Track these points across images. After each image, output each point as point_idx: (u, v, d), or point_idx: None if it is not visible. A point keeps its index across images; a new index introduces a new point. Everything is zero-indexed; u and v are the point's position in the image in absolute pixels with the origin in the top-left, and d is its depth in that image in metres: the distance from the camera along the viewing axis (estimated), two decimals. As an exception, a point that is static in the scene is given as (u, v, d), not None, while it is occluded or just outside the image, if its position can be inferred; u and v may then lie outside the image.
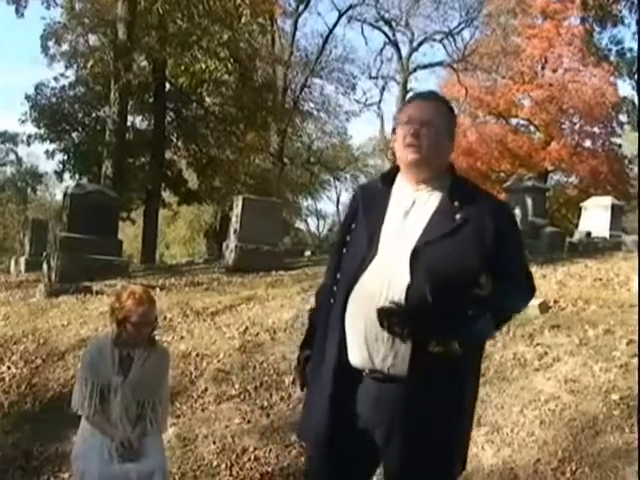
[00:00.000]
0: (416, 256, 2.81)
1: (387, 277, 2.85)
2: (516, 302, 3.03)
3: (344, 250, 3.08)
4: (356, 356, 2.91)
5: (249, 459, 5.79)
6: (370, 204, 3.09)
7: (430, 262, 2.78)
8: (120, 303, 4.39)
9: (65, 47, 24.74)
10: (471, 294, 2.76)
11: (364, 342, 2.87)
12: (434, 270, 2.77)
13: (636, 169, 35.73)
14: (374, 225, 2.98)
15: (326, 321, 3.04)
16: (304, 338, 3.32)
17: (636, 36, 27.92)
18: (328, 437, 2.99)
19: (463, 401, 2.98)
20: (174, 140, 27.66)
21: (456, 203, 2.92)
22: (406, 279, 2.80)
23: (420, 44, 39.17)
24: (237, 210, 15.14)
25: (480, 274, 2.79)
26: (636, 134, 33.91)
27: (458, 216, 2.88)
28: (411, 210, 2.96)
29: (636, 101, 34.28)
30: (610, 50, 34.30)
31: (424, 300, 2.74)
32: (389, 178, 3.11)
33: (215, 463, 5.89)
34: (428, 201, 2.97)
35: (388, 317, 2.75)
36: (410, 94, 40.09)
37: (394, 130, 3.16)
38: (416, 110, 3.02)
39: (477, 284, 2.77)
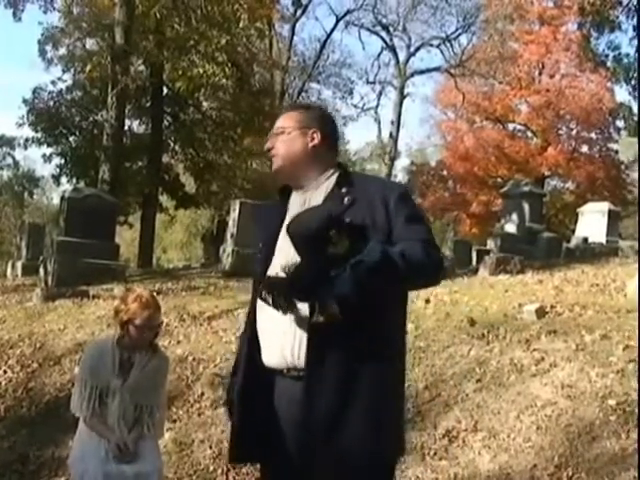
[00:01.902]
0: (289, 237, 2.85)
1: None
2: (404, 267, 2.70)
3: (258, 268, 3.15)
4: (270, 356, 2.95)
5: (245, 464, 5.77)
6: (268, 218, 3.22)
7: (296, 237, 2.80)
8: (125, 305, 4.39)
9: (62, 51, 24.75)
10: (328, 254, 2.70)
11: (275, 340, 2.90)
12: (298, 242, 2.78)
13: (632, 174, 35.82)
14: (270, 235, 3.07)
15: None
16: (234, 365, 3.31)
17: (633, 42, 27.94)
18: (248, 451, 3.06)
19: (370, 389, 2.83)
20: (171, 144, 27.65)
21: (344, 189, 2.97)
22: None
23: (417, 49, 39.27)
24: (234, 214, 15.16)
25: (330, 231, 2.70)
26: (632, 139, 33.99)
27: (347, 199, 2.92)
28: (303, 209, 2.99)
29: (633, 107, 34.32)
30: (607, 56, 34.27)
31: (298, 271, 2.74)
32: (285, 190, 3.19)
33: (211, 468, 5.90)
34: (317, 197, 3.03)
35: (269, 290, 2.77)
36: (407, 99, 40.38)
37: None
38: (273, 125, 3.17)
39: (329, 241, 2.71)
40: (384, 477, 3.00)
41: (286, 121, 3.12)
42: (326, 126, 3.15)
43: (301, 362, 2.83)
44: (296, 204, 3.07)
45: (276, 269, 2.89)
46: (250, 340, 3.02)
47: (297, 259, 2.77)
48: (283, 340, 2.86)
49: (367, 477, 2.88)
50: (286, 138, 3.08)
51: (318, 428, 2.81)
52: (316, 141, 3.07)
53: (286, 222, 2.99)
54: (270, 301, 2.77)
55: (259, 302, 2.93)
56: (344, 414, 2.80)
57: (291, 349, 2.85)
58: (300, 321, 2.81)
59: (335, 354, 2.78)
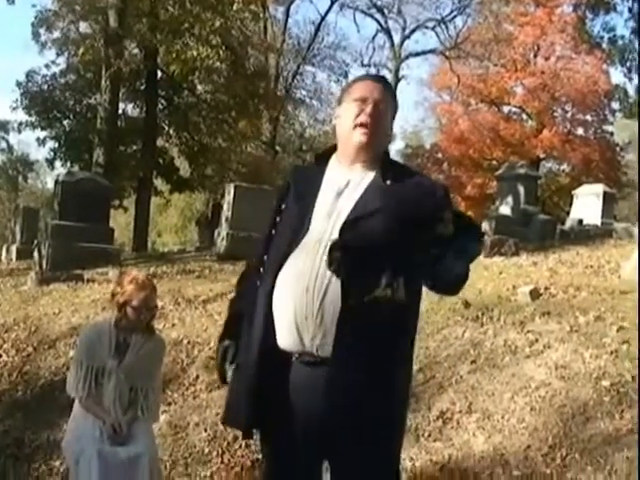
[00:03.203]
0: (345, 230, 2.75)
1: (317, 255, 2.78)
2: (474, 246, 2.86)
3: (273, 232, 3.02)
4: (285, 338, 2.83)
5: (240, 446, 5.80)
6: (302, 185, 3.03)
7: (360, 234, 2.72)
8: (122, 287, 4.43)
9: (56, 34, 24.51)
10: (436, 232, 2.68)
11: (294, 322, 2.78)
12: (364, 239, 2.71)
13: (627, 156, 35.85)
14: (305, 205, 2.93)
15: (253, 306, 2.96)
16: (223, 329, 3.21)
17: (628, 23, 27.90)
18: (256, 426, 2.97)
19: (392, 383, 2.85)
20: (166, 128, 27.53)
21: (388, 182, 2.89)
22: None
23: (412, 31, 39.09)
24: (229, 198, 15.13)
25: (446, 211, 2.72)
26: (627, 121, 33.96)
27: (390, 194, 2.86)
28: (344, 190, 2.91)
29: (628, 89, 34.29)
30: (602, 37, 34.28)
31: (386, 242, 2.68)
32: (324, 158, 3.08)
33: (206, 450, 5.91)
34: (362, 181, 2.92)
35: (333, 251, 2.68)
36: (402, 82, 40.31)
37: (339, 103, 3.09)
38: (371, 90, 2.97)
39: (442, 221, 2.69)
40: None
41: (388, 96, 3.00)
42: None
43: (321, 350, 2.76)
44: (338, 180, 2.96)
45: (309, 245, 2.83)
46: (266, 317, 2.86)
47: (390, 229, 2.70)
48: (305, 323, 2.77)
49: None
50: (387, 116, 2.98)
51: (340, 416, 2.76)
52: (393, 126, 3.07)
53: (325, 197, 2.93)
54: (330, 261, 2.69)
55: (281, 280, 2.84)
56: (367, 406, 2.77)
57: (313, 335, 2.77)
58: (330, 309, 2.73)
59: (361, 342, 2.72)
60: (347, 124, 2.96)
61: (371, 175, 2.93)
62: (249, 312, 2.98)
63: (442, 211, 2.73)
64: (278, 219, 3.02)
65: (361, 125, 2.91)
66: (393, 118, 3.06)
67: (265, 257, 3.00)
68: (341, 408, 2.76)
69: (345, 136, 2.98)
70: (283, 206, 3.04)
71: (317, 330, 2.76)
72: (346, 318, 2.71)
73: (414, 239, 2.69)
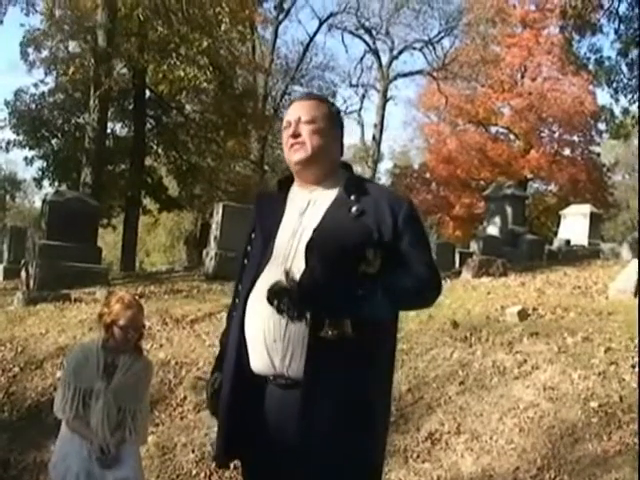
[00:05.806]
0: (311, 246, 2.73)
1: (282, 274, 2.77)
2: (412, 290, 2.79)
3: (245, 261, 3.05)
4: (257, 361, 2.84)
5: (228, 467, 5.76)
6: (266, 211, 3.06)
7: (323, 248, 2.70)
8: (109, 307, 4.40)
9: (45, 53, 24.59)
10: (359, 271, 2.67)
11: (263, 345, 2.79)
12: (325, 254, 2.68)
13: (614, 177, 36.00)
14: (270, 230, 2.95)
15: (229, 335, 3.01)
16: (214, 363, 3.23)
17: (614, 45, 28.08)
18: (234, 453, 2.98)
19: (368, 404, 2.82)
20: (154, 147, 27.60)
21: (352, 197, 2.88)
22: (301, 271, 2.72)
23: (400, 52, 39.38)
24: (217, 217, 15.13)
25: (367, 250, 2.68)
26: (613, 142, 34.13)
27: (354, 208, 2.83)
28: (307, 210, 2.93)
29: (614, 109, 34.47)
30: (589, 59, 34.41)
31: (315, 282, 2.65)
32: (285, 184, 3.10)
33: (194, 472, 5.87)
34: (324, 199, 2.93)
35: (278, 296, 2.66)
36: (390, 102, 40.48)
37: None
38: (294, 111, 3.01)
39: (364, 260, 2.67)
40: None
41: (315, 110, 2.98)
42: (342, 124, 3.11)
43: (291, 371, 2.75)
44: (300, 202, 2.97)
45: (274, 267, 2.83)
46: (238, 342, 2.89)
47: (315, 267, 2.68)
48: (274, 346, 2.76)
49: None
50: (316, 128, 2.95)
51: (314, 439, 2.73)
52: (341, 138, 3.06)
53: (289, 218, 2.94)
54: (277, 307, 2.67)
55: (250, 305, 2.86)
56: (341, 427, 2.74)
57: (282, 357, 2.76)
58: (296, 331, 2.72)
59: (333, 366, 2.70)
60: (286, 152, 3.02)
61: (333, 192, 2.95)
62: (227, 342, 3.02)
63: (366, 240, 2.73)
64: (249, 248, 3.06)
65: (291, 147, 2.96)
66: (334, 130, 3.04)
67: (240, 287, 3.04)
68: (315, 432, 2.74)
69: (288, 162, 3.03)
70: (253, 235, 3.06)
71: (286, 351, 2.76)
72: (316, 340, 2.69)
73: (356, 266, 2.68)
